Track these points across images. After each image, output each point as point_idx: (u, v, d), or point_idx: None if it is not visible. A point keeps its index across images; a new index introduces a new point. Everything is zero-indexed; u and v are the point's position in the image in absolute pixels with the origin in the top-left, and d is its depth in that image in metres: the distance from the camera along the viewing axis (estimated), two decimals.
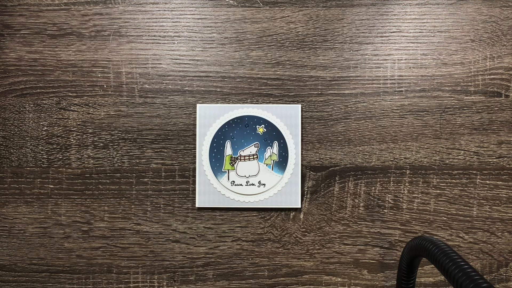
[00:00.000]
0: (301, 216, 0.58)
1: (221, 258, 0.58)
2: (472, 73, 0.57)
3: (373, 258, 0.57)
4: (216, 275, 0.57)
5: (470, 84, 0.57)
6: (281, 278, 0.58)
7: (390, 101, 0.57)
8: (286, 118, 0.57)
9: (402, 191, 0.57)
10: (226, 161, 0.57)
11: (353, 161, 0.57)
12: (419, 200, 0.57)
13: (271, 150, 0.57)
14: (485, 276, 0.54)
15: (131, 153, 0.58)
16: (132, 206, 0.58)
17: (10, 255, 0.58)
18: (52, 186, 0.58)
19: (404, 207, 0.57)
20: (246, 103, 0.58)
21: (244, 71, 0.58)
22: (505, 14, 0.57)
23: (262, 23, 0.58)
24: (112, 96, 0.58)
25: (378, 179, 0.57)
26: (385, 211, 0.57)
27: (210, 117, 0.57)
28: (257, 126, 0.57)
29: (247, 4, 0.58)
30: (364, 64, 0.58)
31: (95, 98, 0.58)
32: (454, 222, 0.57)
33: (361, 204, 0.57)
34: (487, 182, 0.57)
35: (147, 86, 0.58)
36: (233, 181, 0.57)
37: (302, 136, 0.57)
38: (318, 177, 0.57)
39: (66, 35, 0.58)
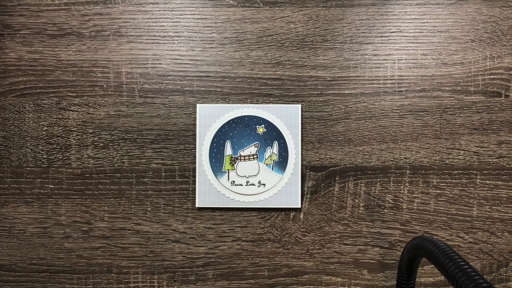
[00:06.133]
0: (301, 216, 0.58)
1: (221, 258, 0.58)
2: (472, 73, 0.57)
3: (373, 258, 0.57)
4: (216, 275, 0.57)
5: (470, 84, 0.57)
6: (281, 278, 0.58)
7: (390, 101, 0.57)
8: (286, 118, 0.57)
9: (402, 191, 0.57)
10: (226, 161, 0.57)
11: (353, 161, 0.57)
12: (419, 200, 0.57)
13: (271, 150, 0.57)
14: (485, 276, 0.54)
15: (131, 153, 0.58)
16: (132, 206, 0.58)
17: (10, 255, 0.58)
18: (52, 186, 0.58)
19: (404, 207, 0.57)
20: (246, 103, 0.58)
21: (244, 71, 0.58)
22: (505, 14, 0.57)
23: (262, 23, 0.58)
24: (112, 96, 0.58)
25: (378, 179, 0.57)
26: (385, 211, 0.57)
27: (210, 117, 0.57)
28: (257, 126, 0.57)
29: (247, 4, 0.58)
30: (364, 64, 0.58)
31: (95, 98, 0.58)
32: (454, 222, 0.57)
33: (361, 204, 0.57)
34: (487, 182, 0.57)
35: (147, 86, 0.58)
36: (233, 181, 0.57)
37: (302, 136, 0.57)
38: (318, 177, 0.57)
39: (66, 35, 0.58)
